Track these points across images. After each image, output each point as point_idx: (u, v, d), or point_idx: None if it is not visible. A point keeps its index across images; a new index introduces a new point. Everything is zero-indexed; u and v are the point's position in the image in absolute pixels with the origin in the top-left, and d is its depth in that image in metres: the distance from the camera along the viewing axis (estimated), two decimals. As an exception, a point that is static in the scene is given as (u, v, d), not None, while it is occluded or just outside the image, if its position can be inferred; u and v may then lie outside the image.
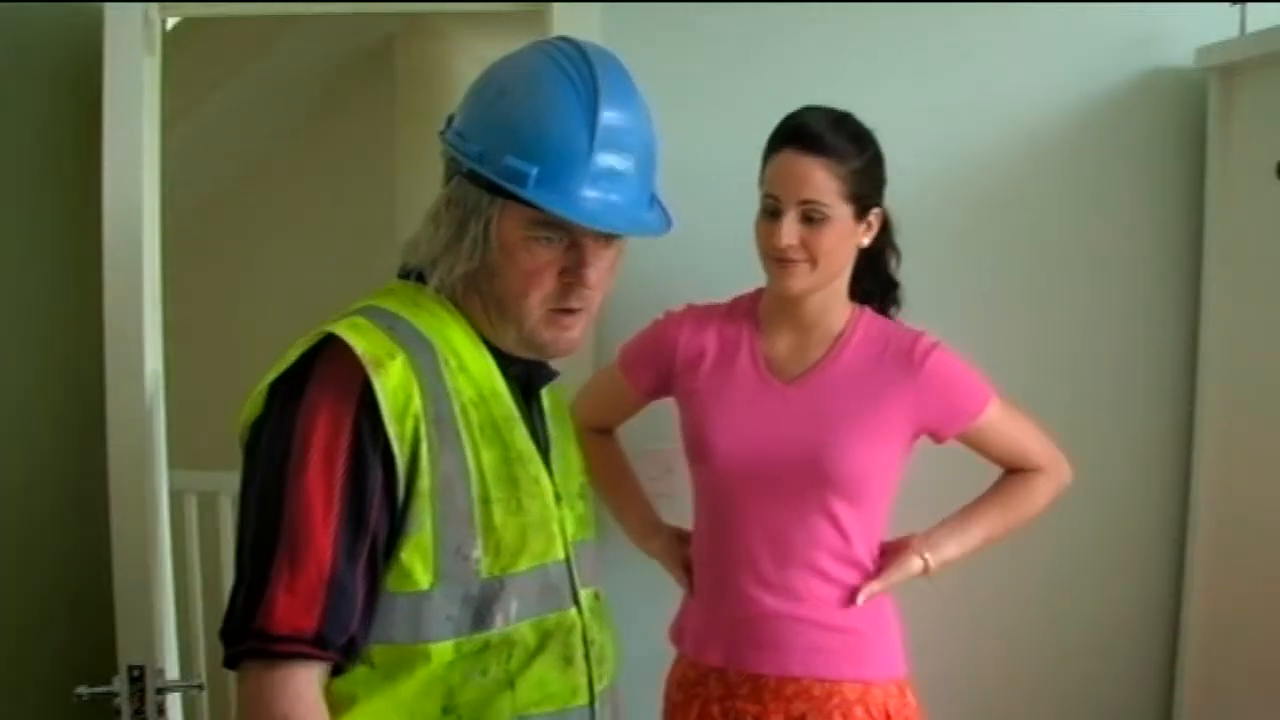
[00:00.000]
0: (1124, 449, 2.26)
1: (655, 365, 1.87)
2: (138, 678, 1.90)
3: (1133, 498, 2.26)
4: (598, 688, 1.37)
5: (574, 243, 1.29)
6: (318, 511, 1.18)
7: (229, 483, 2.83)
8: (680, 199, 2.21)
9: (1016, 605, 2.26)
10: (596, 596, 1.42)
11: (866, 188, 1.73)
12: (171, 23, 2.45)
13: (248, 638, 1.18)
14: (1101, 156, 2.24)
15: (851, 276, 1.79)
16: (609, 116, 1.26)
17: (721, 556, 1.79)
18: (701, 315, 1.87)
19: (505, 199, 1.26)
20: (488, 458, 1.29)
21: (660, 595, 1.91)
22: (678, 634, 1.88)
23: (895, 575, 1.77)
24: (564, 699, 1.33)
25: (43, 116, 2.36)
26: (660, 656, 1.89)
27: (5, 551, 2.34)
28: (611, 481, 1.97)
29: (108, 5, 2.09)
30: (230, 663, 1.20)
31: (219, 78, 3.60)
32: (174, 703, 2.13)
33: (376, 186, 3.68)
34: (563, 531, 1.37)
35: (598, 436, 1.96)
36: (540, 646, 1.31)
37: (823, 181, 1.68)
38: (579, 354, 2.11)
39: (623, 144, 1.28)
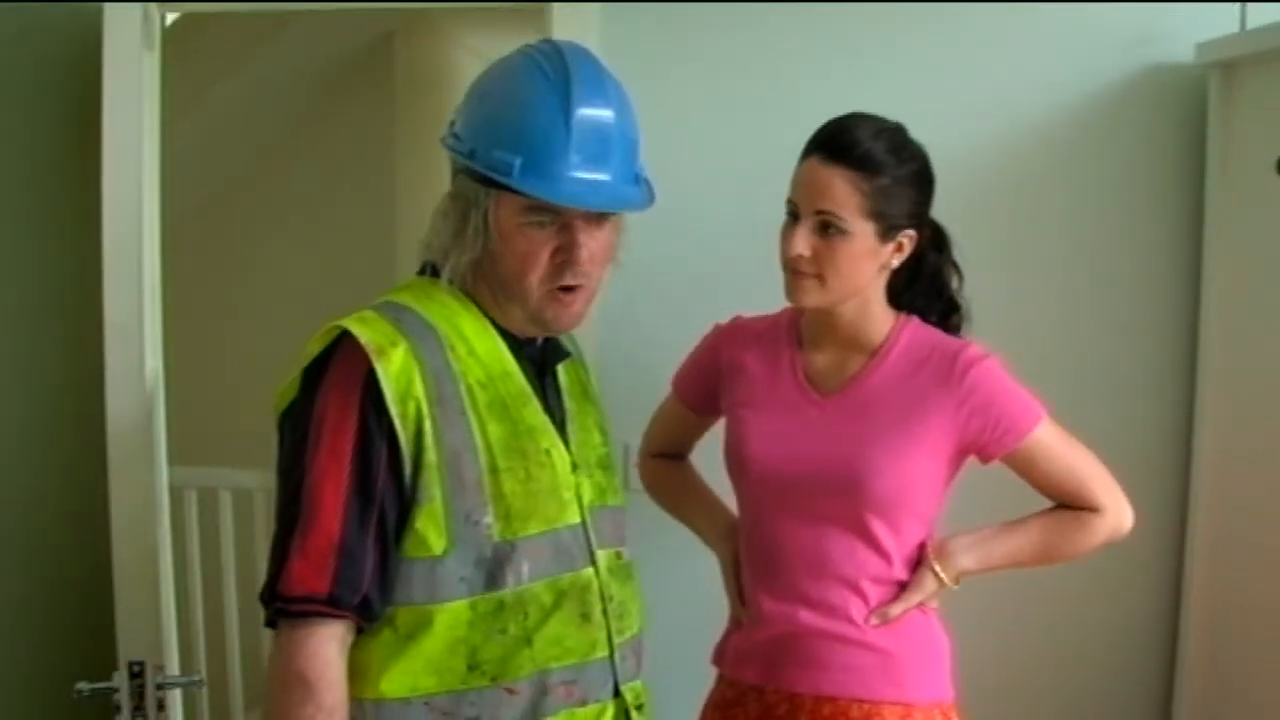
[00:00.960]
0: (1123, 447, 2.25)
1: (701, 379, 1.85)
2: (138, 673, 1.90)
3: (1132, 496, 2.25)
4: (617, 640, 1.47)
5: (565, 224, 1.40)
6: (328, 487, 1.32)
7: (229, 479, 2.85)
8: (680, 197, 2.22)
9: (1015, 606, 2.26)
10: (618, 556, 1.52)
11: (896, 207, 1.62)
12: (170, 19, 2.45)
13: (274, 600, 1.33)
14: (1102, 153, 2.24)
15: (900, 288, 1.72)
16: (582, 103, 1.37)
17: (760, 572, 1.74)
18: (745, 328, 1.83)
19: (498, 190, 1.38)
20: (495, 432, 1.40)
21: (699, 614, 1.86)
22: (719, 654, 1.83)
23: (914, 597, 1.68)
24: (582, 652, 1.43)
25: (43, 115, 2.36)
26: (700, 679, 1.85)
27: (5, 548, 2.34)
28: (673, 500, 1.93)
29: (107, 4, 2.09)
30: (267, 623, 1.35)
31: (218, 75, 3.60)
32: (174, 699, 2.13)
33: (376, 183, 3.68)
34: (578, 498, 1.46)
35: (664, 461, 1.95)
36: (556, 605, 1.41)
37: (842, 194, 1.59)
38: (588, 347, 2.15)
39: (599, 128, 1.39)
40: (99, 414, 2.13)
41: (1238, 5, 2.10)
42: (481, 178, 1.38)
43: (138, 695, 1.90)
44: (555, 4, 2.18)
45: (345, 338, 1.36)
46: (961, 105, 2.21)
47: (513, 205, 1.38)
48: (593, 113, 1.38)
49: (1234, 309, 2.15)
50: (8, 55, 2.31)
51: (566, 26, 2.13)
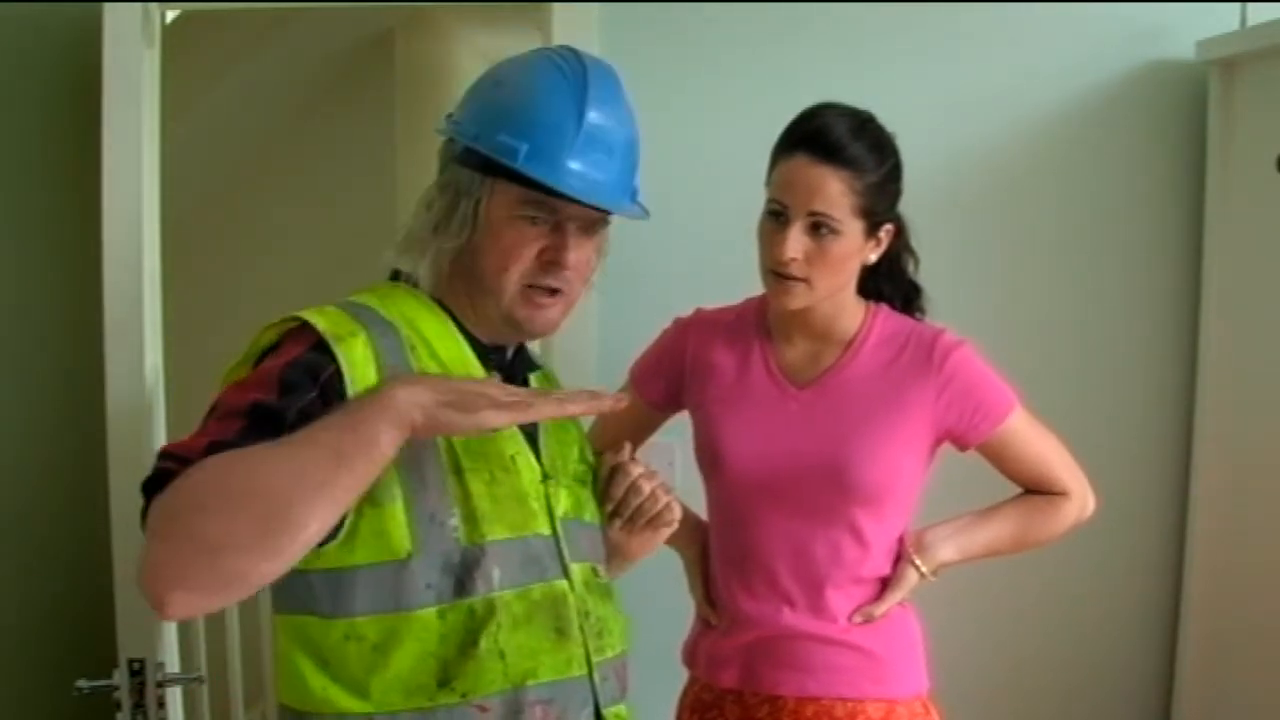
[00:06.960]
0: (1123, 444, 2.26)
1: (665, 375, 1.81)
2: (138, 671, 1.91)
3: (1133, 493, 2.26)
4: (596, 659, 1.41)
5: (557, 225, 1.37)
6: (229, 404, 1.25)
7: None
8: (678, 197, 2.23)
9: (1014, 605, 2.26)
10: (595, 572, 1.46)
11: (882, 204, 1.62)
12: (170, 17, 2.45)
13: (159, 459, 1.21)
14: (1102, 150, 2.24)
15: (865, 277, 1.70)
16: (595, 105, 1.36)
17: (737, 572, 1.71)
18: (710, 321, 1.80)
19: (496, 178, 1.36)
20: None
21: (670, 616, 1.84)
22: (690, 655, 1.80)
23: (896, 594, 1.69)
24: (558, 669, 1.36)
25: (43, 113, 2.36)
26: (672, 679, 1.84)
27: (6, 545, 2.34)
28: None
29: (107, 2, 2.09)
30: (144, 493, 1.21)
31: (218, 73, 3.60)
32: (174, 696, 2.14)
33: (377, 180, 3.68)
34: (549, 508, 1.41)
35: None
36: (527, 617, 1.35)
37: (836, 194, 1.57)
38: (582, 358, 2.14)
39: (607, 133, 1.37)
40: (99, 411, 2.13)
41: (1238, 3, 2.10)
42: (481, 164, 1.35)
43: (138, 693, 1.91)
44: (555, 3, 2.18)
45: (298, 327, 1.31)
46: (962, 101, 2.22)
47: (509, 196, 1.35)
48: (604, 118, 1.36)
49: (1234, 306, 2.15)
50: (7, 53, 2.31)
51: (566, 26, 2.13)
